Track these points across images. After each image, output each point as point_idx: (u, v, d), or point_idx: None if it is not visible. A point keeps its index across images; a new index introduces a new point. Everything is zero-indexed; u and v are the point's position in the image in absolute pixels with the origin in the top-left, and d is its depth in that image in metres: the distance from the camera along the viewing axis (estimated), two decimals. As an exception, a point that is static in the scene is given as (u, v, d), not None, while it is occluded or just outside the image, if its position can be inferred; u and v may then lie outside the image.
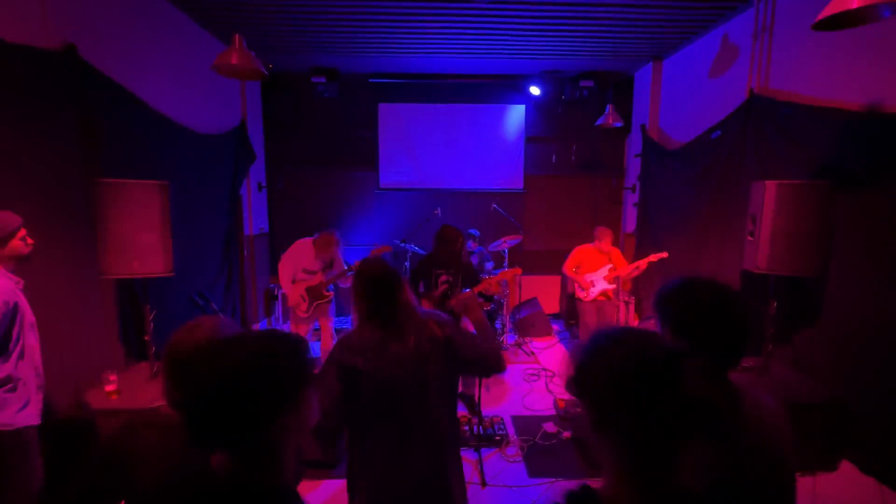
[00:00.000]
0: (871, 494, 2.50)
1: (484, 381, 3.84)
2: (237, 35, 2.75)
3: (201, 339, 1.15)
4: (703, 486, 0.77)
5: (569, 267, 4.38)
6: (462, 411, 3.63)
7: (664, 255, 4.17)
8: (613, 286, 4.29)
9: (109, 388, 2.44)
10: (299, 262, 3.83)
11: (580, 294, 4.34)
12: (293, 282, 3.84)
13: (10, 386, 1.87)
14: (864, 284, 2.64)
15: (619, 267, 4.29)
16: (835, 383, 2.76)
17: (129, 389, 2.52)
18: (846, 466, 2.69)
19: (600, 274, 4.27)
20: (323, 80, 5.45)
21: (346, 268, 3.89)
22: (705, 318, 1.00)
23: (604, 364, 0.70)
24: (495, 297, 5.09)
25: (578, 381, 0.72)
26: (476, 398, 3.26)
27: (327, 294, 3.90)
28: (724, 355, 1.01)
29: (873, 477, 2.57)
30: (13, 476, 1.89)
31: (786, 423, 1.02)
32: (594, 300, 4.29)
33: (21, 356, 1.91)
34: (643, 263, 4.21)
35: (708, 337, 1.00)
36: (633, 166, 5.69)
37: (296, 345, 0.81)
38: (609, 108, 4.94)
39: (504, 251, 5.39)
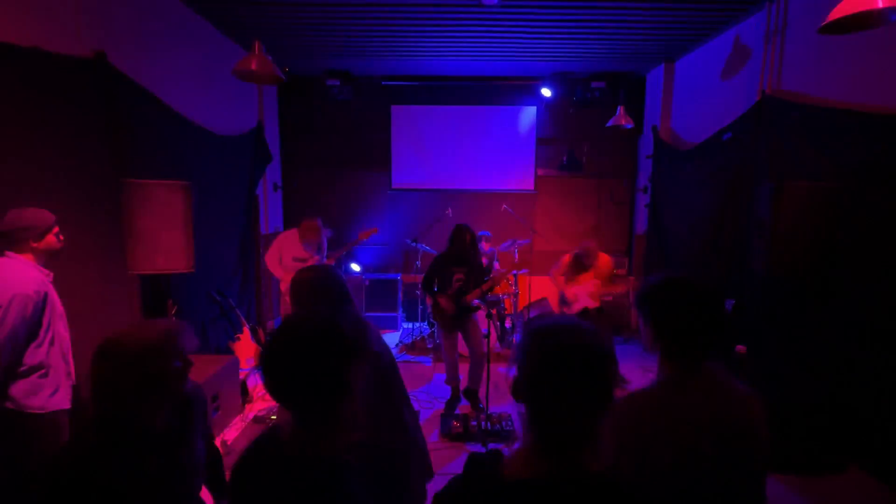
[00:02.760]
0: (877, 497, 2.49)
1: (492, 379, 3.90)
2: (256, 41, 2.86)
3: (145, 338, 1.12)
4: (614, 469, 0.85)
5: (557, 274, 4.15)
6: (466, 407, 3.70)
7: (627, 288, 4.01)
8: (596, 304, 4.05)
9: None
10: (286, 250, 4.09)
11: (563, 308, 4.15)
12: (284, 270, 4.06)
13: (42, 371, 1.99)
14: (872, 285, 2.63)
15: (597, 285, 4.05)
16: (841, 384, 2.75)
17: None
18: (854, 469, 2.68)
19: (585, 290, 4.04)
20: (337, 82, 5.57)
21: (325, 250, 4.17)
22: (683, 316, 1.07)
23: (536, 343, 0.81)
24: (503, 295, 5.15)
25: (515, 355, 0.84)
26: (484, 395, 3.33)
27: None
28: (701, 349, 1.08)
29: (878, 479, 2.56)
30: (43, 457, 2.01)
31: (759, 414, 1.07)
32: (575, 314, 4.13)
33: (52, 343, 2.03)
34: (616, 290, 4.16)
35: (685, 332, 1.07)
36: (645, 168, 5.68)
37: (356, 324, 0.99)
38: (620, 109, 4.95)
39: (514, 252, 5.44)
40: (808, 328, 3.05)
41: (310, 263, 4.00)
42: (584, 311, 4.00)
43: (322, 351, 0.90)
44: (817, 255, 2.64)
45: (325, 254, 4.14)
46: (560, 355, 0.78)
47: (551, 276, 4.21)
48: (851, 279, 2.76)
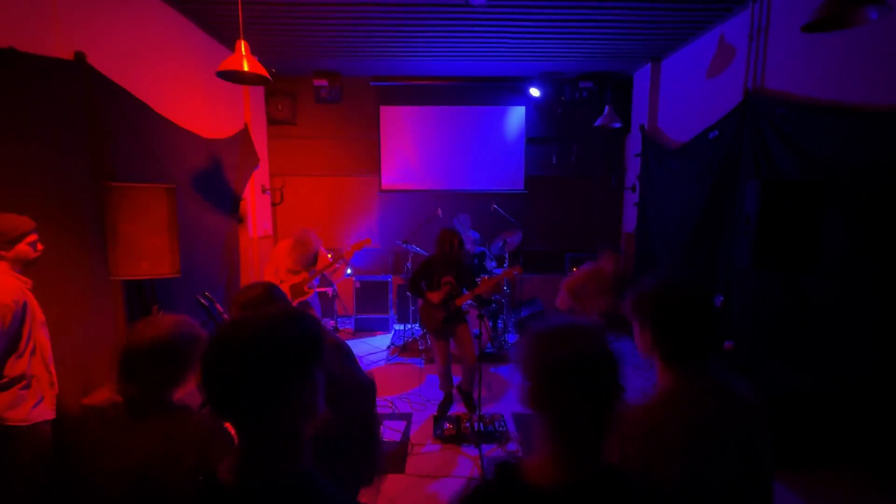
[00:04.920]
0: (867, 489, 2.53)
1: (485, 379, 3.89)
2: (242, 41, 2.81)
3: (158, 334, 1.22)
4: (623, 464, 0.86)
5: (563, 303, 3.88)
6: (460, 409, 3.68)
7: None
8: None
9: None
10: (282, 262, 4.06)
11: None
12: (279, 282, 3.98)
13: (24, 383, 1.94)
14: (856, 281, 2.68)
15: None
16: (827, 379, 2.79)
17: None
18: (842, 462, 2.72)
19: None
20: (325, 83, 5.53)
21: (330, 261, 4.08)
22: (683, 320, 1.06)
23: (547, 352, 0.81)
24: (495, 296, 5.15)
25: (525, 365, 0.83)
26: (476, 396, 3.32)
27: (308, 291, 4.05)
28: (702, 352, 1.07)
29: (866, 472, 2.60)
30: (26, 469, 1.95)
31: (763, 418, 1.07)
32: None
33: (33, 353, 1.98)
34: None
35: (686, 336, 1.06)
36: (633, 166, 5.73)
37: (307, 322, 0.83)
38: (608, 108, 4.99)
39: (505, 251, 5.44)
40: (794, 323, 3.09)
41: (301, 276, 3.99)
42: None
43: (264, 355, 0.77)
44: (802, 250, 2.67)
45: (317, 268, 4.09)
46: (573, 363, 0.78)
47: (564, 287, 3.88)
48: (836, 274, 2.80)
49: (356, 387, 1.65)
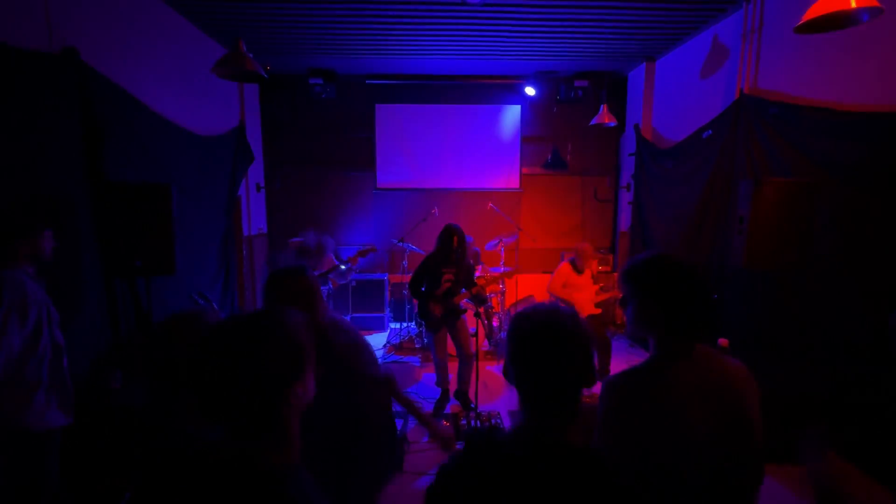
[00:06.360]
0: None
1: (481, 378, 3.91)
2: (237, 38, 2.80)
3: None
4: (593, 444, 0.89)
5: (558, 286, 4.06)
6: (456, 406, 3.70)
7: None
8: (599, 311, 4.11)
9: (115, 385, 2.49)
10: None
11: None
12: None
13: (37, 385, 1.88)
14: (848, 279, 2.72)
15: (596, 290, 4.10)
16: (820, 377, 2.83)
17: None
18: (832, 456, 2.76)
19: (587, 298, 4.06)
20: (320, 81, 5.51)
21: (336, 264, 4.05)
22: (677, 289, 1.06)
23: (515, 324, 0.90)
24: (490, 294, 5.17)
25: (506, 340, 0.92)
26: (473, 394, 3.33)
27: None
28: (695, 326, 1.07)
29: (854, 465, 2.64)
30: (33, 475, 1.91)
31: (752, 386, 1.09)
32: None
33: (45, 356, 1.92)
34: (612, 294, 4.18)
35: (680, 307, 1.06)
36: (628, 165, 5.77)
37: (298, 320, 0.85)
38: (603, 107, 5.01)
39: (500, 250, 5.46)
40: (787, 322, 3.13)
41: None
42: (589, 318, 3.99)
43: (260, 355, 0.77)
44: (795, 249, 2.71)
45: (322, 269, 4.07)
46: (533, 332, 0.85)
47: (550, 290, 4.05)
48: (828, 273, 2.84)
49: (371, 380, 1.65)
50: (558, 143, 6.20)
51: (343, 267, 4.05)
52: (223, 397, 0.76)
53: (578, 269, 4.06)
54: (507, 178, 6.22)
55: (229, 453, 0.79)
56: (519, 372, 0.88)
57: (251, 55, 2.90)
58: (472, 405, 3.49)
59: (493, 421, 3.34)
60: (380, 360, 4.77)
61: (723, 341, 3.27)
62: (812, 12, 2.13)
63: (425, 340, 5.02)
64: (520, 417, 0.90)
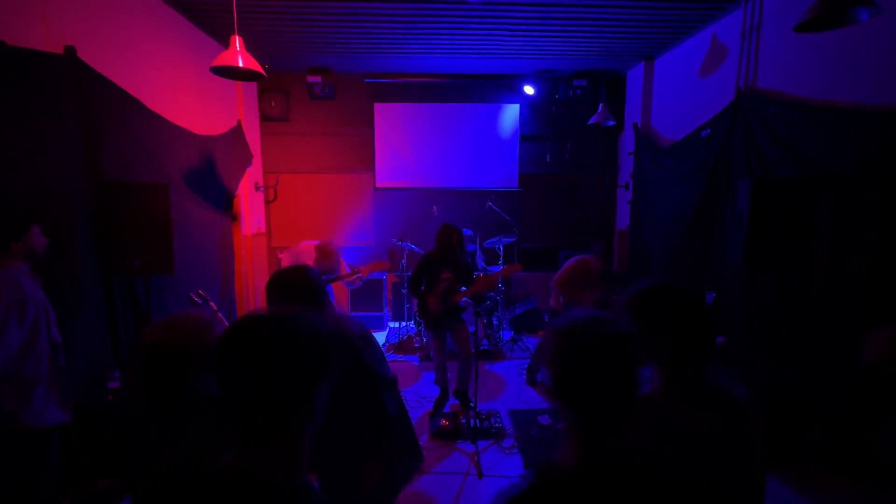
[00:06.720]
0: (857, 486, 2.58)
1: (480, 377, 3.91)
2: (235, 37, 2.79)
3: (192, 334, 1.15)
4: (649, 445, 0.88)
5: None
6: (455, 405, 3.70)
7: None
8: None
9: (113, 384, 2.49)
10: (302, 260, 3.93)
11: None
12: None
13: (37, 383, 1.88)
14: (846, 278, 2.72)
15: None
16: (818, 375, 2.84)
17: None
18: (835, 458, 2.77)
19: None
20: (319, 79, 5.50)
21: (348, 270, 4.02)
22: (671, 324, 1.06)
23: (570, 342, 0.81)
24: (490, 294, 5.17)
25: (549, 358, 0.84)
26: (472, 393, 3.33)
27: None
28: (699, 355, 1.07)
29: (848, 467, 2.65)
30: (32, 473, 1.90)
31: (756, 422, 1.07)
32: None
33: (44, 353, 1.92)
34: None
35: (683, 339, 1.06)
36: (626, 164, 5.77)
37: (328, 328, 0.80)
38: (602, 106, 5.02)
39: (500, 249, 5.46)
40: (785, 320, 3.14)
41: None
42: None
43: (284, 356, 0.74)
44: (793, 248, 2.71)
45: (334, 274, 3.99)
46: (594, 348, 0.79)
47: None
48: (827, 271, 2.85)
49: (384, 379, 1.65)
50: (557, 143, 6.20)
51: (358, 276, 3.97)
52: (239, 394, 0.73)
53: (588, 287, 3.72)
54: (507, 178, 6.22)
55: (232, 468, 0.75)
56: (580, 390, 0.80)
57: (250, 53, 2.89)
58: (472, 404, 3.50)
59: (492, 420, 3.35)
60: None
61: (720, 340, 3.28)
62: (811, 11, 2.13)
63: (425, 340, 5.02)
64: (575, 436, 0.83)
